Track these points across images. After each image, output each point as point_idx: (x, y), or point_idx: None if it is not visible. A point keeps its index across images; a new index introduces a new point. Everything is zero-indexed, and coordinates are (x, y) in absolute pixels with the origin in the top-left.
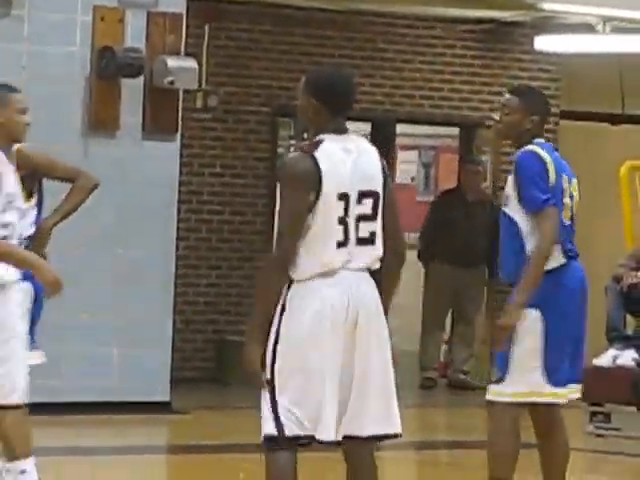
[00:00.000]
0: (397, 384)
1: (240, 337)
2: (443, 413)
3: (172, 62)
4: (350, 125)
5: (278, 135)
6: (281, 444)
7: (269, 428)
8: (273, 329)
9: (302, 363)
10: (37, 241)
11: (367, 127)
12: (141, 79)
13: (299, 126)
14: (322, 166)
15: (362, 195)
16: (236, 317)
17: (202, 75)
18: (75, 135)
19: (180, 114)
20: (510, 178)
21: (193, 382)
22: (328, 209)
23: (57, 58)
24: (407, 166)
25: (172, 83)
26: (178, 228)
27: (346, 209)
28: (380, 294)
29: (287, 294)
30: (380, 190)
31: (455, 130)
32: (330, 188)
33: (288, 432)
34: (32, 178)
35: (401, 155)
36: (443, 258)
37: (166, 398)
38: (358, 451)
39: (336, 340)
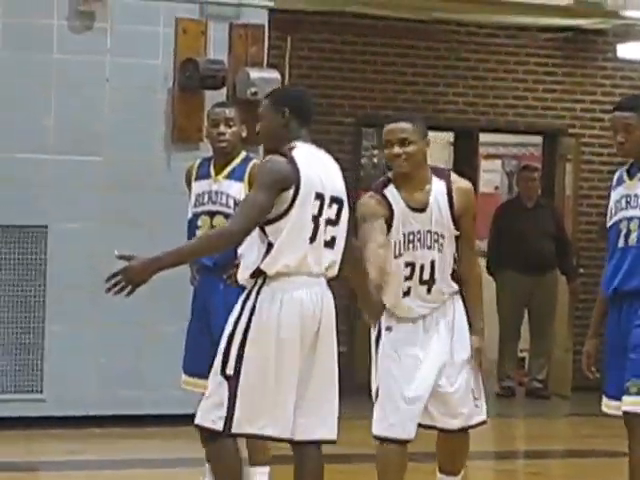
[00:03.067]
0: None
1: None
2: (520, 423)
3: (255, 73)
4: (434, 135)
5: (361, 145)
6: (224, 436)
7: (217, 423)
8: (240, 328)
9: (267, 368)
10: None
11: (450, 136)
12: (224, 91)
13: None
14: (300, 165)
15: (332, 200)
16: None
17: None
18: (158, 147)
19: None
20: None
21: None
22: (304, 207)
23: (140, 70)
24: (491, 175)
25: (255, 94)
26: None
27: (320, 210)
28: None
29: (258, 295)
30: (344, 198)
31: (538, 138)
32: (308, 187)
33: (235, 429)
34: None
35: (485, 164)
36: (511, 267)
37: None
38: (307, 452)
39: (300, 348)
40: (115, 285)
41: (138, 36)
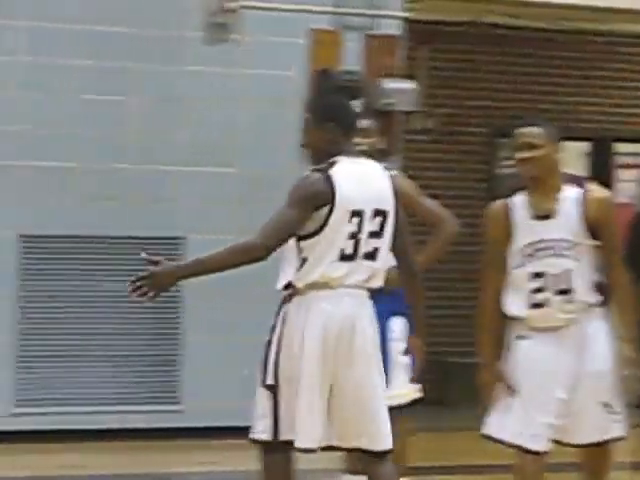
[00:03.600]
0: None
1: (461, 359)
2: None
3: (389, 84)
4: (569, 145)
5: (496, 156)
6: (276, 447)
7: (265, 433)
8: (274, 337)
9: (293, 379)
10: None
11: (586, 146)
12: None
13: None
14: (336, 184)
15: (375, 213)
16: (457, 339)
17: (420, 97)
18: (291, 159)
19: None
20: None
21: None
22: (339, 224)
23: (274, 82)
24: (628, 185)
25: (390, 105)
26: None
27: (360, 225)
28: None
29: (287, 307)
30: (390, 210)
31: None
32: (343, 205)
33: (283, 437)
34: None
35: (622, 174)
36: None
37: None
38: (373, 463)
39: (323, 361)
40: (139, 288)
41: (272, 47)
